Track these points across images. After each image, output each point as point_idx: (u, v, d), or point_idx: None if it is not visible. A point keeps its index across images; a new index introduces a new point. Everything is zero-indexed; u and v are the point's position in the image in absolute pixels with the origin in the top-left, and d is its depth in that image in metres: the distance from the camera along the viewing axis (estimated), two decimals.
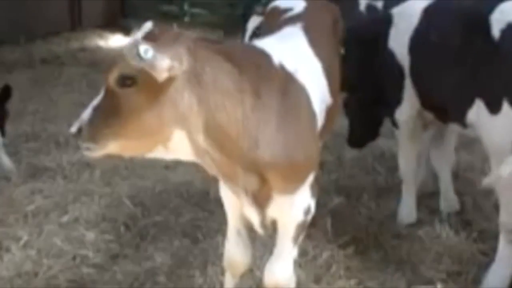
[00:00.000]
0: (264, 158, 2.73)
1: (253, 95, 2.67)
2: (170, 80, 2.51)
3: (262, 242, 3.92)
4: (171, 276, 3.93)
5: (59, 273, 3.97)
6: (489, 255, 3.94)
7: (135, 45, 2.45)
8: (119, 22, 12.78)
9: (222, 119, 2.61)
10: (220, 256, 3.70)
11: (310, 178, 2.98)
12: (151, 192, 5.04)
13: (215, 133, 2.62)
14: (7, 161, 5.58)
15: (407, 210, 4.59)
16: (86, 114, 2.62)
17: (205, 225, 4.46)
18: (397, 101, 4.29)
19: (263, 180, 2.83)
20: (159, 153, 2.69)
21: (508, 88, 3.43)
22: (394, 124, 4.46)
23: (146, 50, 2.43)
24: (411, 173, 4.59)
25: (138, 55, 2.43)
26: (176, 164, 5.35)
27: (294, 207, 2.98)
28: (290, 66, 2.88)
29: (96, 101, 2.64)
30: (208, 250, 4.14)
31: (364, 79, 4.51)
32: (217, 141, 2.64)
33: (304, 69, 2.96)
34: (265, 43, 3.04)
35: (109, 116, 2.56)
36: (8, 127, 5.90)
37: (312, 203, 3.07)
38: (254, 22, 5.36)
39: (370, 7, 5.53)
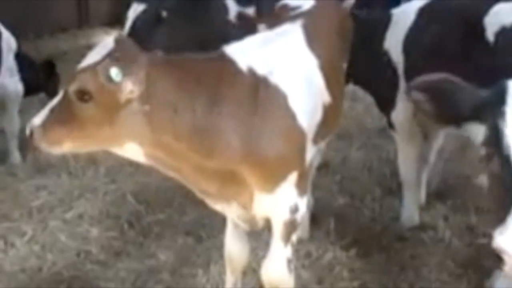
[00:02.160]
0: (224, 161, 2.81)
1: (208, 104, 2.76)
2: (125, 101, 2.63)
3: (266, 242, 3.93)
4: (174, 274, 3.94)
5: (63, 269, 3.99)
6: (492, 259, 3.93)
7: (108, 67, 2.56)
8: (125, 20, 12.81)
9: (173, 134, 2.72)
10: (223, 254, 3.71)
11: (292, 176, 2.99)
12: (155, 190, 5.05)
13: (167, 146, 2.74)
14: (16, 156, 5.62)
15: (409, 214, 4.57)
16: (39, 118, 2.73)
17: (208, 224, 4.46)
18: (392, 102, 4.28)
19: (240, 181, 2.88)
20: (114, 151, 2.86)
21: None
22: (391, 126, 4.45)
23: (117, 74, 2.56)
24: (411, 176, 4.56)
25: (109, 77, 2.55)
26: None
27: (277, 205, 3.00)
28: (263, 69, 2.93)
29: (53, 104, 2.74)
30: (212, 249, 4.15)
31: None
32: (170, 151, 2.77)
33: (283, 69, 3.00)
34: (239, 47, 3.07)
35: (65, 121, 2.69)
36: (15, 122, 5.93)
37: (300, 202, 3.06)
38: (135, 11, 5.22)
39: (241, 15, 5.47)
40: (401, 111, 4.27)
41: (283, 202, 3.00)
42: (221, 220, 4.23)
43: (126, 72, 2.57)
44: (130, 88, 2.59)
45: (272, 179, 2.94)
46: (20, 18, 9.35)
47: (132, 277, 3.92)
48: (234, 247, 3.40)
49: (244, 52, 3.00)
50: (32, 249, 4.21)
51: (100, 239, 4.36)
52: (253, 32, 5.17)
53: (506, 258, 2.17)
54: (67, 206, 4.79)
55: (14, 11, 9.39)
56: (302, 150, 3.05)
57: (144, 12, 5.16)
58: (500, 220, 2.11)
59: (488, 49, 3.49)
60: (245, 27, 5.36)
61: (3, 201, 4.89)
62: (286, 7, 3.84)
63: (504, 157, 2.14)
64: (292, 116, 2.94)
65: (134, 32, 5.12)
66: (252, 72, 2.90)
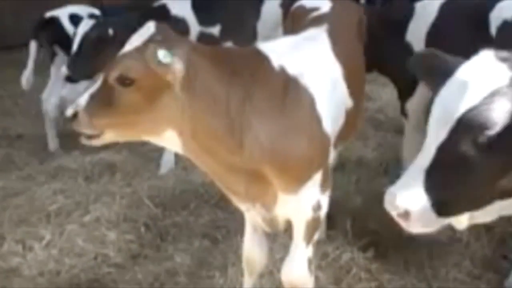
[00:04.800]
0: (251, 159, 2.79)
1: (243, 98, 2.75)
2: (166, 86, 2.61)
3: (283, 244, 3.92)
4: (191, 276, 3.95)
5: (81, 272, 4.02)
6: (510, 259, 3.91)
7: (155, 49, 2.53)
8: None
9: (209, 124, 2.70)
10: (240, 256, 3.72)
11: (317, 176, 2.99)
12: (171, 193, 5.07)
13: (202, 136, 2.73)
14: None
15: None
16: (83, 100, 2.69)
17: (225, 226, 4.47)
18: (411, 91, 4.37)
19: (266, 181, 2.87)
20: (155, 141, 2.84)
21: None
22: (404, 113, 4.57)
23: (165, 55, 2.53)
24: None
25: (158, 60, 2.52)
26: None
27: (301, 205, 2.99)
28: (294, 70, 2.91)
29: (93, 89, 2.71)
30: (228, 250, 4.15)
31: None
32: (204, 143, 2.74)
33: (313, 73, 2.98)
34: (272, 46, 3.05)
35: (106, 107, 2.66)
36: (30, 128, 5.99)
37: (322, 199, 3.06)
38: (85, 26, 5.17)
39: (204, 35, 5.47)
40: (418, 100, 4.36)
41: (306, 202, 3.00)
42: (237, 222, 4.25)
43: (174, 52, 2.55)
44: (179, 67, 2.57)
45: (297, 181, 2.92)
46: (33, 23, 9.45)
47: (149, 280, 3.93)
48: (253, 249, 3.38)
49: (277, 52, 2.97)
50: (50, 253, 4.24)
51: (117, 242, 4.38)
52: None
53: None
54: (84, 210, 4.81)
55: (26, 16, 9.48)
56: (326, 154, 3.04)
57: (92, 28, 5.14)
58: None
59: (492, 42, 3.52)
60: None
61: (20, 205, 4.93)
62: (302, 8, 3.83)
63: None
64: (318, 120, 2.93)
65: (82, 48, 5.12)
66: (284, 72, 2.89)
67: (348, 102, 3.30)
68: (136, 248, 4.31)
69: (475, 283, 3.83)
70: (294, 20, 3.77)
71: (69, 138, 6.17)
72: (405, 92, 4.47)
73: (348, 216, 4.50)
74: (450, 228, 4.44)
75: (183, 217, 4.69)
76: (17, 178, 5.49)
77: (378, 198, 5.11)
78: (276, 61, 2.90)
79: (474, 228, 4.40)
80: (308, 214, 3.03)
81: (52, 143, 6.08)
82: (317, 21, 3.52)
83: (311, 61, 3.07)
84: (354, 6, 4.03)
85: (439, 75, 2.20)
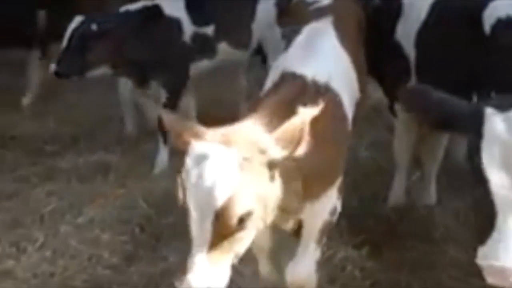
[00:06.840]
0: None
1: None
2: None
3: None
4: None
5: (75, 274, 4.01)
6: None
7: None
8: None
9: None
10: None
11: (338, 182, 3.01)
12: (165, 193, 5.03)
13: None
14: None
15: (396, 194, 4.74)
16: None
17: None
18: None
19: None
20: None
21: (496, 84, 3.37)
22: (393, 113, 4.50)
23: None
24: (405, 159, 4.72)
25: None
26: None
27: (320, 209, 3.00)
28: (323, 76, 2.85)
29: None
30: None
31: None
32: None
33: (335, 72, 2.96)
34: (298, 60, 2.97)
35: None
36: (26, 128, 5.95)
37: (338, 204, 3.09)
38: (75, 23, 5.16)
39: (198, 35, 5.48)
40: None
41: (326, 206, 3.01)
42: None
43: None
44: None
45: (325, 187, 2.93)
46: None
47: (144, 281, 3.93)
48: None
49: (305, 64, 2.92)
50: (44, 255, 4.22)
51: (111, 243, 4.36)
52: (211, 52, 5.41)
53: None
54: (78, 212, 4.79)
55: None
56: (346, 152, 3.05)
57: (81, 24, 5.14)
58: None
59: (485, 40, 3.52)
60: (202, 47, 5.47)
61: (14, 207, 4.90)
62: (302, 4, 3.83)
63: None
64: (347, 120, 2.96)
65: (69, 44, 5.13)
66: (315, 83, 2.83)
67: (357, 93, 3.31)
68: (131, 249, 4.30)
69: (471, 281, 3.82)
70: (295, 15, 3.75)
71: (61, 140, 6.20)
72: (393, 92, 4.33)
73: (343, 215, 4.47)
74: (445, 227, 4.48)
75: (177, 218, 4.65)
76: (10, 180, 5.45)
77: (372, 196, 5.16)
78: (310, 74, 2.83)
79: (469, 227, 4.43)
80: (325, 218, 3.04)
81: (130, 125, 6.25)
82: (320, 13, 3.49)
83: (330, 59, 3.05)
84: (354, 3, 4.03)
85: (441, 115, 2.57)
